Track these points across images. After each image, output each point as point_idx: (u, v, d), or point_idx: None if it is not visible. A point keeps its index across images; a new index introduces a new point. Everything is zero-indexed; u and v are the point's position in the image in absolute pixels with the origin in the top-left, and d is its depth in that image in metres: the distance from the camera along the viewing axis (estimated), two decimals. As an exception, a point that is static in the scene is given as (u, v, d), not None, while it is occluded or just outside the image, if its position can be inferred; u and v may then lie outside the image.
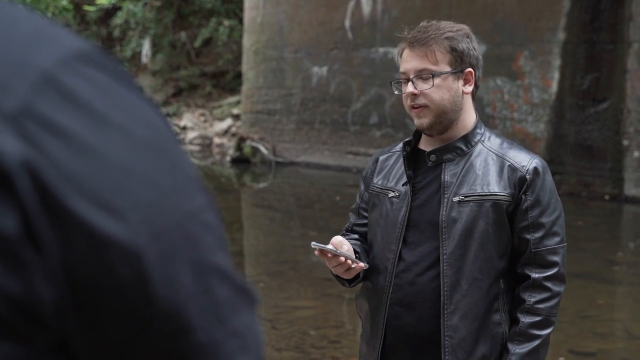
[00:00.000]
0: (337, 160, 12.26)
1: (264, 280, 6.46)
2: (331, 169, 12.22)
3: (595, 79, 9.67)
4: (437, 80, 2.10)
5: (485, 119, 10.38)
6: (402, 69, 2.15)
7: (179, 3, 17.47)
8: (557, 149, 10.01)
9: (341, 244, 2.08)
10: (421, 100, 2.11)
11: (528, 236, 2.09)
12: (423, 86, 2.11)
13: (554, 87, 10.00)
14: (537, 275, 2.09)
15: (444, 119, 2.13)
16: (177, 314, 0.56)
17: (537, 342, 2.08)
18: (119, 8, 17.16)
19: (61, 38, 0.57)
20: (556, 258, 2.10)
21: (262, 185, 12.30)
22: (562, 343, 4.92)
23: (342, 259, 2.05)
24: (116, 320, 0.55)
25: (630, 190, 9.49)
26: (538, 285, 2.08)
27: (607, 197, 9.62)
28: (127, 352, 0.56)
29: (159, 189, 0.56)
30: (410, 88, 2.11)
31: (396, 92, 2.19)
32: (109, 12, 17.78)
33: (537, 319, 2.08)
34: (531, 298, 2.08)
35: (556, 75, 9.97)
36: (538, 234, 2.09)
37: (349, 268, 2.09)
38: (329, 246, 2.04)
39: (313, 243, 2.02)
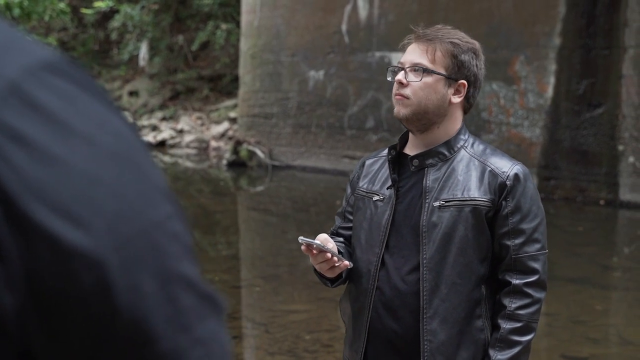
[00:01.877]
0: (334, 164, 12.27)
1: (259, 284, 6.46)
2: (327, 172, 12.22)
3: (591, 84, 9.69)
4: (426, 78, 2.12)
5: (481, 123, 10.40)
6: (401, 59, 2.18)
7: (176, 6, 17.49)
8: (552, 154, 10.02)
9: (327, 241, 2.09)
10: (406, 91, 2.13)
11: (508, 242, 2.10)
12: (412, 78, 2.13)
13: (550, 92, 10.02)
14: (517, 282, 2.09)
15: (424, 117, 2.15)
16: (141, 323, 0.56)
17: (518, 349, 2.08)
18: (117, 11, 17.17)
19: (28, 48, 0.57)
20: (536, 265, 2.10)
21: (258, 188, 12.30)
22: (554, 348, 4.93)
23: (329, 255, 2.06)
24: (80, 329, 0.55)
25: (625, 195, 9.51)
26: (518, 292, 2.08)
27: (602, 202, 9.64)
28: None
29: (124, 198, 0.56)
30: (400, 76, 2.14)
31: (389, 79, 2.21)
32: (107, 15, 17.79)
33: (518, 325, 2.08)
34: (512, 304, 2.08)
35: (552, 80, 9.99)
36: (518, 240, 2.10)
37: (333, 266, 2.10)
38: (316, 241, 2.05)
39: (300, 238, 2.03)
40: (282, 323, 5.33)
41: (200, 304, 0.60)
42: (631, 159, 9.47)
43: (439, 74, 2.12)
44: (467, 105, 2.20)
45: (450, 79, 2.13)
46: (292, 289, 6.21)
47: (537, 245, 2.11)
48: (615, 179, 9.57)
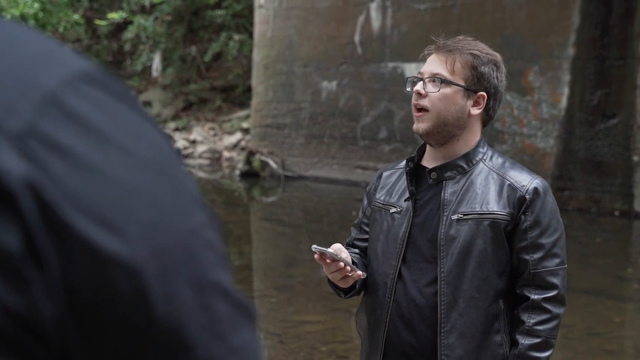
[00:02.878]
0: (346, 175, 12.26)
1: (272, 295, 6.45)
2: (340, 183, 12.22)
3: (605, 94, 9.66)
4: (445, 88, 2.10)
5: (495, 134, 10.37)
6: (421, 70, 2.17)
7: (189, 17, 17.56)
8: (566, 165, 9.98)
9: (340, 251, 2.08)
10: (424, 102, 2.12)
11: (527, 257, 2.08)
12: (431, 89, 2.11)
13: (564, 102, 9.99)
14: (536, 297, 2.07)
15: (443, 130, 2.13)
16: (177, 331, 0.56)
17: None
18: (130, 22, 17.26)
19: (65, 59, 0.58)
20: (555, 280, 2.08)
21: (271, 199, 12.31)
22: (571, 360, 4.89)
23: (341, 264, 2.04)
24: (116, 336, 0.55)
25: (640, 206, 9.46)
26: (537, 307, 2.07)
27: (617, 213, 9.58)
28: None
29: (160, 207, 0.57)
30: (418, 87, 2.13)
31: (408, 89, 2.20)
32: (120, 27, 17.88)
33: (537, 340, 2.06)
34: (530, 319, 2.06)
35: (566, 90, 9.96)
36: (537, 255, 2.07)
37: (346, 276, 2.08)
38: (330, 250, 2.04)
39: (314, 246, 2.02)
40: (296, 334, 5.32)
41: (235, 312, 0.60)
42: (646, 170, 9.42)
43: (457, 85, 2.11)
44: (487, 118, 2.19)
45: (469, 90, 2.12)
46: (306, 299, 6.19)
47: (557, 260, 2.10)
48: (630, 190, 9.52)
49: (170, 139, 0.62)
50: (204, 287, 0.58)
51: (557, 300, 2.08)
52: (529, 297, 2.07)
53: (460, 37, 2.20)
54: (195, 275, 0.58)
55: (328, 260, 2.05)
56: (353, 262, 2.16)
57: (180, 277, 0.57)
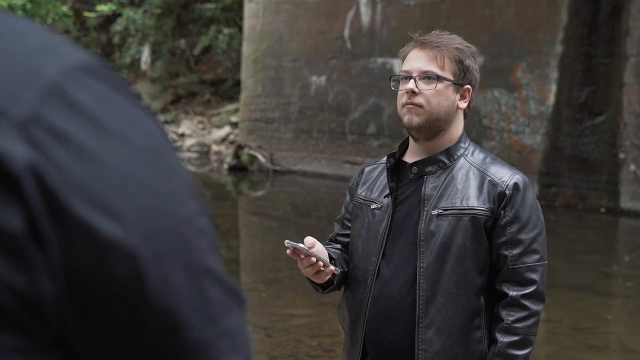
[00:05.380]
0: (335, 169, 12.27)
1: (260, 288, 6.46)
2: (328, 177, 12.23)
3: (592, 92, 9.71)
4: (440, 85, 2.09)
5: (482, 130, 10.41)
6: (405, 67, 2.13)
7: (179, 11, 17.51)
8: (553, 162, 10.03)
9: (313, 244, 2.04)
10: (419, 100, 2.10)
11: (506, 252, 2.06)
12: (424, 86, 2.10)
13: (551, 99, 10.04)
14: (514, 293, 2.05)
15: (434, 125, 2.12)
16: (171, 313, 0.59)
17: None
18: (119, 15, 17.18)
19: (66, 51, 0.60)
20: (534, 276, 2.06)
21: (259, 193, 12.31)
22: (556, 355, 4.93)
23: (313, 259, 2.02)
24: (113, 318, 0.58)
25: (626, 203, 9.51)
26: (516, 304, 2.04)
27: (603, 210, 9.64)
28: (123, 348, 0.59)
29: (156, 194, 0.59)
30: (411, 85, 2.10)
31: (393, 88, 2.17)
32: (109, 19, 17.80)
33: (516, 338, 2.04)
34: (509, 317, 2.04)
35: (553, 87, 10.01)
36: (516, 251, 2.06)
37: (319, 271, 2.06)
38: (301, 245, 2.01)
39: (287, 241, 1.99)
40: (283, 327, 5.34)
41: (226, 297, 0.63)
42: (632, 167, 9.48)
43: (450, 80, 2.10)
44: (467, 110, 2.19)
45: (458, 84, 2.12)
46: (293, 293, 6.21)
47: (536, 256, 2.07)
48: (616, 187, 9.58)
49: (164, 128, 0.64)
50: (197, 272, 0.60)
51: (535, 296, 2.06)
52: (508, 294, 2.05)
53: (436, 31, 2.18)
54: (189, 260, 0.60)
55: (302, 256, 2.02)
56: (331, 258, 2.14)
57: (175, 261, 0.59)
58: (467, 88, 2.14)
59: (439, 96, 2.10)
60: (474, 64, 2.15)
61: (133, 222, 0.57)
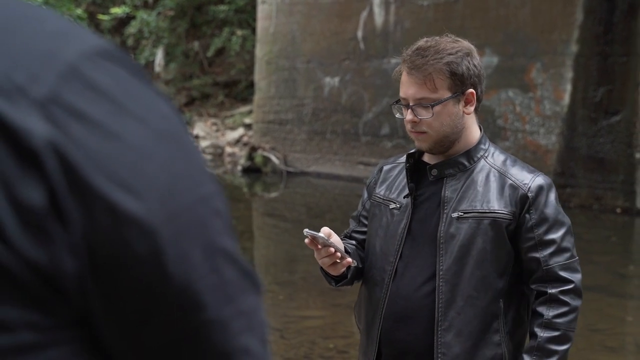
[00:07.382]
0: (348, 171, 12.26)
1: (274, 290, 6.46)
2: (342, 179, 12.21)
3: (608, 91, 9.64)
4: (436, 109, 2.06)
5: (497, 130, 10.36)
6: (402, 94, 2.11)
7: (192, 13, 17.55)
8: (568, 162, 9.97)
9: (330, 235, 2.05)
10: (421, 128, 2.09)
11: (537, 255, 2.06)
12: (423, 114, 2.07)
13: (566, 99, 9.98)
14: (553, 290, 2.06)
15: (445, 141, 2.12)
16: (189, 290, 0.60)
17: (554, 358, 2.05)
18: (133, 17, 17.25)
19: (84, 36, 0.62)
20: (570, 273, 2.07)
21: (273, 194, 12.31)
22: (571, 356, 4.88)
23: (332, 249, 2.02)
24: (132, 294, 0.58)
25: (642, 203, 9.45)
26: (555, 300, 2.05)
27: (618, 210, 9.58)
28: (142, 325, 0.60)
29: (174, 173, 0.60)
30: (409, 116, 2.08)
31: (397, 116, 2.16)
32: (123, 21, 17.88)
33: (556, 333, 2.04)
34: (549, 312, 2.05)
35: (568, 87, 9.95)
36: (547, 251, 2.06)
37: (336, 262, 2.06)
38: (320, 234, 2.02)
39: (306, 230, 2.02)
40: (297, 329, 5.33)
41: (242, 278, 0.64)
42: (648, 167, 9.41)
43: (445, 99, 2.06)
44: (477, 104, 2.15)
45: (458, 95, 2.08)
46: (307, 295, 6.20)
47: (567, 254, 2.09)
48: (632, 187, 9.51)
49: (179, 113, 0.65)
50: (213, 251, 0.61)
51: (574, 292, 2.07)
52: (546, 292, 2.06)
53: (422, 43, 2.10)
54: (205, 240, 0.61)
55: (319, 246, 2.03)
56: (346, 251, 2.14)
57: (192, 239, 0.60)
58: (470, 92, 2.09)
59: (439, 118, 2.07)
60: (471, 62, 2.08)
61: (153, 199, 0.58)
